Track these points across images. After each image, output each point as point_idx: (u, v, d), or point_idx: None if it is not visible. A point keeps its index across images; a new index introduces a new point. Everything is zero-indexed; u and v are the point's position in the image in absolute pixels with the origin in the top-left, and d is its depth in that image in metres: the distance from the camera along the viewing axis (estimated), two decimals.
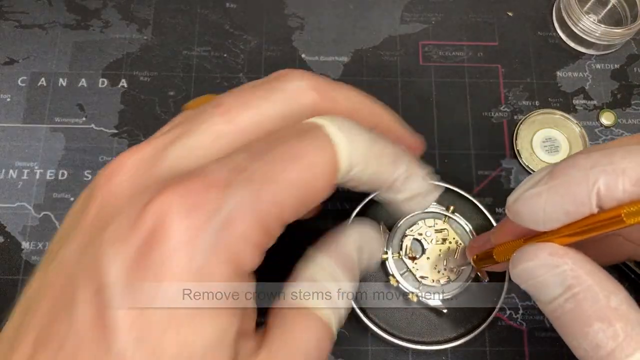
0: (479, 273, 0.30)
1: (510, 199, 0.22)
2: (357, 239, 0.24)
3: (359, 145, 0.21)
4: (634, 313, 0.20)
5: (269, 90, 0.21)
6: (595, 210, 0.19)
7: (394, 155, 0.22)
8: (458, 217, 0.32)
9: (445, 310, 0.30)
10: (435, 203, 0.32)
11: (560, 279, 0.21)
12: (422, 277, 0.31)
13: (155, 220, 0.17)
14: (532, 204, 0.21)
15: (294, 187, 0.19)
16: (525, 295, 0.33)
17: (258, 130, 0.20)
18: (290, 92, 0.21)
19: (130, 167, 0.19)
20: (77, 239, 0.19)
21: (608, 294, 0.20)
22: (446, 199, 0.33)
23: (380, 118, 0.24)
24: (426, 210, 0.32)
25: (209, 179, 0.18)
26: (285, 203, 0.19)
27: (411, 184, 0.23)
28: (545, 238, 0.21)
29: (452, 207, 0.32)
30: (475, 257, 0.29)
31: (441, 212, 0.32)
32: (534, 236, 0.22)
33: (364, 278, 0.30)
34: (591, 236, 0.20)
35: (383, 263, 0.31)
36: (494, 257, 0.25)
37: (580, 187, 0.19)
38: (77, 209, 0.21)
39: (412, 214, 0.32)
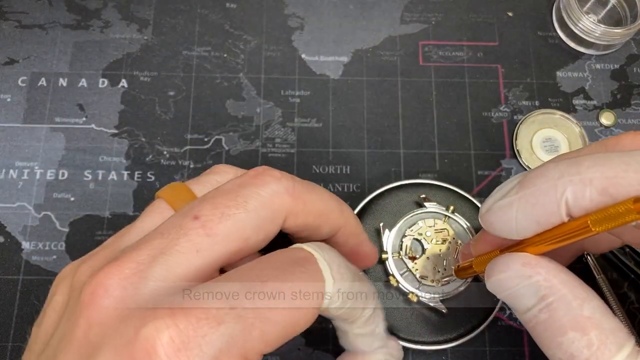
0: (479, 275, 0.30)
1: (483, 209, 0.22)
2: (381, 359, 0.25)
3: (344, 284, 0.21)
4: (608, 321, 0.20)
5: (246, 197, 0.21)
6: (565, 219, 0.20)
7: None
8: (458, 217, 0.32)
9: (445, 310, 0.30)
10: (435, 203, 0.32)
11: (533, 289, 0.21)
12: (422, 277, 0.31)
13: (146, 354, 0.17)
14: (503, 214, 0.21)
15: (283, 326, 0.19)
16: None
17: (236, 238, 0.21)
18: (267, 198, 0.21)
19: (113, 289, 0.19)
20: (72, 351, 0.19)
21: (581, 302, 0.20)
22: (446, 199, 0.33)
23: (346, 221, 0.24)
24: (426, 210, 0.32)
25: (202, 312, 0.18)
26: (270, 339, 0.19)
27: (370, 325, 0.24)
28: (519, 248, 0.22)
29: (452, 207, 0.32)
30: (456, 267, 0.29)
31: (441, 212, 0.32)
32: (509, 246, 0.22)
33: None
34: (564, 244, 0.20)
35: (383, 263, 0.31)
36: (474, 267, 0.26)
37: (549, 197, 0.19)
38: (54, 314, 0.21)
39: (412, 214, 0.32)
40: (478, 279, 0.31)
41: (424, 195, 0.32)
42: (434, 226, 0.32)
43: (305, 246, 0.22)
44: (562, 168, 0.20)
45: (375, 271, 0.32)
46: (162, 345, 0.17)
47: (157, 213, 0.23)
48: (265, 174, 0.22)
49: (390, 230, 0.32)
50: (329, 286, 0.21)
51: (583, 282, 0.21)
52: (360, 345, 0.25)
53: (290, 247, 0.22)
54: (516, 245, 0.22)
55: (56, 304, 0.21)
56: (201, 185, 0.24)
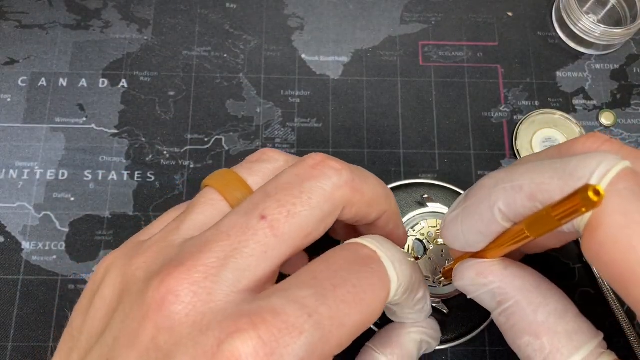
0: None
1: (441, 225, 0.23)
2: (417, 338, 0.26)
3: (405, 279, 0.22)
4: (562, 324, 0.21)
5: (309, 193, 0.20)
6: (505, 225, 0.20)
7: (419, 282, 0.24)
8: None
9: (446, 311, 0.30)
10: (437, 203, 0.32)
11: (490, 296, 0.22)
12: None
13: None
14: (452, 228, 0.22)
15: (355, 329, 0.19)
16: None
17: (301, 236, 0.20)
18: (329, 192, 0.21)
19: (185, 295, 0.18)
20: (134, 355, 0.18)
21: (535, 307, 0.21)
22: (447, 199, 0.33)
23: (390, 205, 0.25)
24: (429, 210, 0.32)
25: (282, 321, 0.17)
26: (344, 343, 0.19)
27: (419, 305, 0.24)
28: (477, 253, 0.22)
29: None
30: (443, 269, 0.29)
31: (444, 212, 0.32)
32: (475, 252, 0.23)
33: None
34: (514, 249, 0.21)
35: None
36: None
37: (484, 206, 0.20)
38: (103, 308, 0.20)
39: (415, 214, 0.32)
40: None
41: (426, 195, 0.32)
42: (436, 226, 0.32)
43: (367, 242, 0.21)
44: (498, 177, 0.20)
45: None
46: (247, 358, 0.17)
47: (209, 205, 0.22)
48: (325, 165, 0.21)
49: None
50: (394, 284, 0.21)
51: (542, 284, 0.22)
52: (407, 320, 0.26)
53: (350, 242, 0.22)
54: (480, 250, 0.22)
55: (106, 296, 0.21)
56: (254, 175, 0.23)
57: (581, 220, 0.18)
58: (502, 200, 0.19)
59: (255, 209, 0.20)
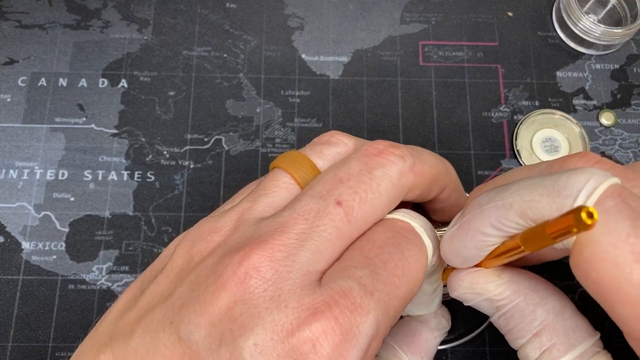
0: None
1: (441, 242, 0.23)
2: (440, 340, 0.27)
3: (436, 245, 0.23)
4: (561, 322, 0.22)
5: (379, 180, 0.21)
6: (499, 241, 0.21)
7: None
8: None
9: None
10: None
11: (487, 303, 0.23)
12: None
13: (310, 346, 0.18)
14: (451, 245, 0.22)
15: (407, 297, 0.21)
16: None
17: (371, 222, 0.22)
18: (395, 179, 0.22)
19: (266, 271, 0.19)
20: (205, 321, 0.19)
21: (534, 307, 0.22)
22: None
23: (450, 180, 0.25)
24: None
25: (352, 303, 0.19)
26: (398, 314, 0.21)
27: (438, 280, 0.25)
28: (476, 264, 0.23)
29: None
30: (442, 271, 0.29)
31: None
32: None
33: None
34: (510, 261, 0.21)
35: None
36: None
37: (479, 222, 0.21)
38: (172, 274, 0.21)
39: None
40: None
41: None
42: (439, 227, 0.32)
43: (399, 216, 0.22)
44: (491, 194, 0.21)
45: None
46: (327, 339, 0.18)
47: (283, 188, 0.23)
48: (389, 152, 0.22)
49: None
50: (430, 251, 0.22)
51: (539, 285, 0.23)
52: (421, 305, 0.26)
53: (386, 218, 0.23)
54: None
55: (178, 264, 0.21)
56: (324, 159, 0.24)
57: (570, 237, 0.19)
58: (494, 218, 0.20)
59: (331, 194, 0.21)
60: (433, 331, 0.27)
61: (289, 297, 0.19)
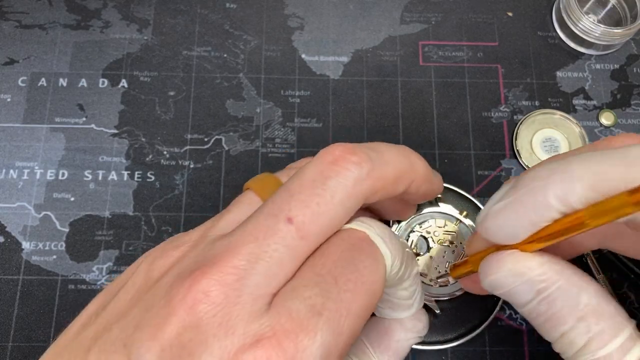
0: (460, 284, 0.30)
1: (479, 217, 0.22)
2: (412, 344, 0.26)
3: (398, 253, 0.22)
4: (606, 306, 0.21)
5: (332, 191, 0.21)
6: (557, 216, 0.20)
7: (412, 259, 0.24)
8: (469, 223, 0.32)
9: (438, 311, 0.30)
10: (449, 205, 0.32)
11: (528, 286, 0.22)
12: (421, 275, 0.31)
13: None
14: (499, 218, 0.21)
15: (363, 311, 0.20)
16: None
17: (326, 234, 0.21)
18: (351, 188, 0.21)
19: (215, 296, 0.18)
20: (155, 346, 0.18)
21: (578, 290, 0.21)
22: (455, 201, 0.33)
23: (417, 174, 0.25)
24: (439, 210, 0.32)
25: (298, 325, 0.18)
26: (356, 330, 0.20)
27: (413, 286, 0.25)
28: (513, 245, 0.22)
29: (465, 212, 0.32)
30: (452, 265, 0.28)
31: (453, 214, 0.32)
32: (504, 245, 0.22)
33: None
34: (558, 241, 0.21)
35: None
36: (470, 266, 0.25)
37: (540, 196, 0.20)
38: (132, 290, 0.21)
39: (425, 212, 0.32)
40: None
41: (439, 195, 0.32)
42: (443, 227, 0.32)
43: (356, 226, 0.22)
44: (552, 167, 0.20)
45: None
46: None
47: (246, 204, 0.23)
48: (345, 159, 0.21)
49: (399, 223, 0.32)
50: (388, 259, 0.22)
51: (578, 270, 0.22)
52: (400, 310, 0.26)
53: (342, 229, 0.22)
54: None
55: (136, 283, 0.21)
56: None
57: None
58: (559, 190, 0.20)
59: (281, 210, 0.20)
60: (407, 332, 0.26)
61: (237, 323, 0.18)
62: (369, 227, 0.22)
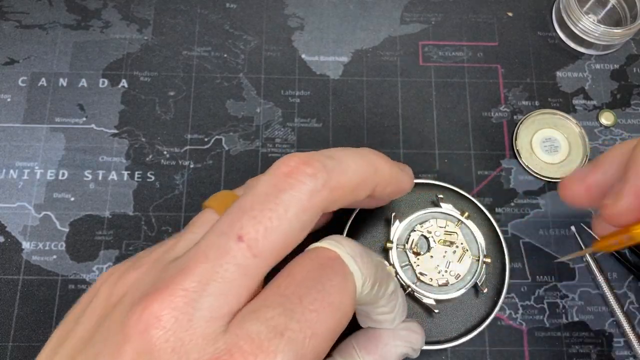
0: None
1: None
2: (402, 351, 0.26)
3: (370, 271, 0.22)
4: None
5: (286, 205, 0.20)
6: None
7: (388, 274, 0.24)
8: (470, 224, 0.32)
9: (437, 311, 0.30)
10: (450, 205, 0.32)
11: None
12: (421, 274, 0.31)
13: None
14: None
15: (330, 332, 0.20)
16: (524, 295, 0.33)
17: (281, 250, 0.20)
18: (306, 201, 0.20)
19: (166, 321, 0.18)
20: None
21: None
22: (457, 202, 0.33)
23: (381, 177, 0.24)
24: (441, 211, 0.32)
25: (257, 347, 0.18)
26: (322, 350, 0.19)
27: (392, 301, 0.25)
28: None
29: (467, 213, 0.32)
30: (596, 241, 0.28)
31: (455, 215, 0.32)
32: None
33: None
34: None
35: (386, 252, 0.31)
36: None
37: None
38: (93, 318, 0.20)
39: (426, 211, 0.32)
40: (476, 288, 0.31)
41: (441, 195, 0.32)
42: (444, 227, 0.32)
43: (326, 244, 0.22)
44: None
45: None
46: None
47: (205, 223, 0.22)
48: (299, 171, 0.20)
49: (400, 222, 0.32)
50: (359, 279, 0.21)
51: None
52: (383, 324, 0.26)
53: (309, 249, 0.22)
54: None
55: (96, 308, 0.21)
56: None
57: None
58: None
59: (232, 228, 0.19)
60: (396, 339, 0.26)
61: (191, 348, 0.18)
62: (339, 246, 0.21)
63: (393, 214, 0.32)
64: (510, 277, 0.33)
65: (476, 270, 0.31)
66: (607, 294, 0.33)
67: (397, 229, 0.31)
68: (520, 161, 0.36)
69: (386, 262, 0.27)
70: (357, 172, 0.22)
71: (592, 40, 0.38)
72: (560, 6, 0.39)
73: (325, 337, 0.19)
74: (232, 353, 0.17)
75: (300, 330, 0.18)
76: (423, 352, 0.32)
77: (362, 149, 0.24)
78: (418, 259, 0.31)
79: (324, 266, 0.21)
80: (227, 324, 0.19)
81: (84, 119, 0.36)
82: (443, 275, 0.31)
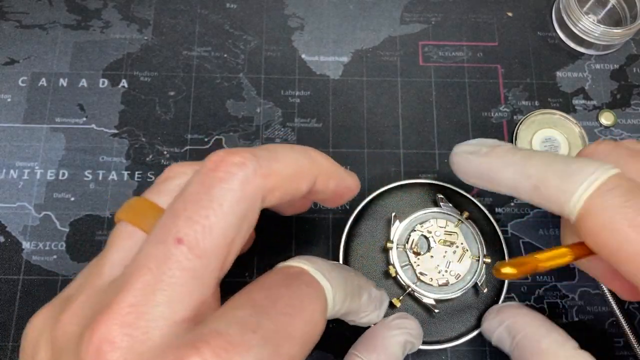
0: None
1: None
2: (401, 340, 0.27)
3: (340, 284, 0.22)
4: (563, 351, 0.26)
5: (219, 200, 0.19)
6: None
7: (359, 287, 0.25)
8: (470, 225, 0.32)
9: (437, 311, 0.30)
10: (451, 205, 0.32)
11: (506, 332, 0.28)
12: (421, 274, 0.31)
13: None
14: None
15: (304, 339, 0.19)
16: (524, 295, 0.33)
17: (224, 246, 0.19)
18: (239, 191, 0.19)
19: (120, 340, 0.17)
20: None
21: (539, 338, 0.26)
22: (458, 203, 0.33)
23: (320, 168, 0.23)
24: (441, 211, 0.32)
25: (227, 341, 0.17)
26: (296, 355, 0.19)
27: (371, 305, 0.26)
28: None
29: (466, 214, 0.32)
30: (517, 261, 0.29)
31: (455, 215, 0.32)
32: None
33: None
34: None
35: (387, 252, 0.31)
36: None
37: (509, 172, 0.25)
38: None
39: (426, 211, 0.32)
40: (476, 288, 0.31)
41: (441, 196, 0.32)
42: (445, 227, 0.32)
43: (294, 263, 0.22)
44: (515, 158, 0.24)
45: (377, 259, 0.32)
46: None
47: (126, 239, 0.21)
48: (227, 163, 0.20)
49: (400, 221, 0.32)
50: (329, 291, 0.22)
51: (545, 319, 0.28)
52: (371, 322, 0.27)
53: (278, 266, 0.22)
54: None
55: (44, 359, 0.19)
56: (163, 195, 0.22)
57: (574, 208, 0.22)
58: (511, 181, 0.23)
59: (168, 234, 0.19)
60: (390, 329, 0.27)
61: (152, 358, 0.17)
62: (306, 263, 0.22)
63: (393, 214, 0.32)
64: None
65: (476, 270, 0.31)
66: (607, 294, 0.33)
67: (397, 229, 0.31)
68: None
69: (360, 273, 0.28)
70: (291, 160, 0.22)
71: (592, 40, 0.38)
72: (560, 6, 0.39)
73: (300, 342, 0.19)
74: (198, 348, 0.17)
75: (274, 330, 0.18)
76: (423, 352, 0.32)
77: (298, 145, 0.24)
78: (418, 258, 0.31)
79: (295, 278, 0.21)
80: (188, 329, 0.18)
81: (84, 119, 0.36)
82: (443, 275, 0.31)
